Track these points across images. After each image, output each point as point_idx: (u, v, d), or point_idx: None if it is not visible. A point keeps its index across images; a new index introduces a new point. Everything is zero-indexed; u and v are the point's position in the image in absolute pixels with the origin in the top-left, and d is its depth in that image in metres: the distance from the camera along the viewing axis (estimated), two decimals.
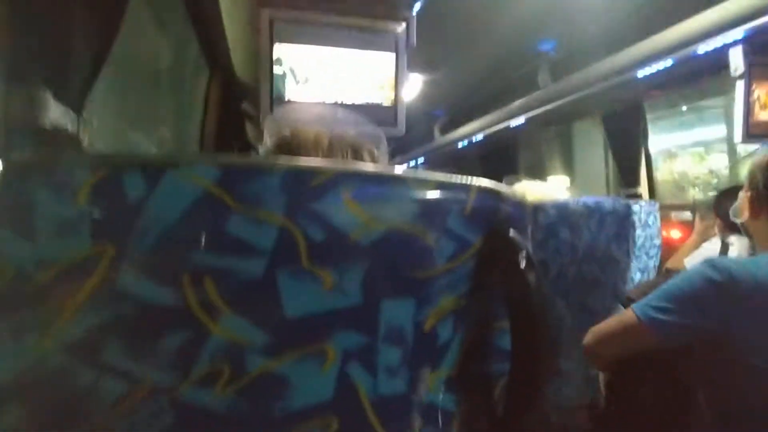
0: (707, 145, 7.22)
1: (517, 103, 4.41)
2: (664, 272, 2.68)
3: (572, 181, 7.78)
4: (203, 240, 0.50)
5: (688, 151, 7.50)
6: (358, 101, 1.90)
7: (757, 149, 3.62)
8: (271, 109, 1.80)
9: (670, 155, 7.65)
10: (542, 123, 4.93)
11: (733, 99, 2.99)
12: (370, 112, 1.84)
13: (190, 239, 0.50)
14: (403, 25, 1.90)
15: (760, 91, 2.89)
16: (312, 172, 0.54)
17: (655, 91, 3.81)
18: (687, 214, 4.24)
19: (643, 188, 4.22)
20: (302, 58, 1.84)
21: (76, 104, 1.10)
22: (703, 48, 2.64)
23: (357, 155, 0.95)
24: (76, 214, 0.48)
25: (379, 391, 0.57)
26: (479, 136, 5.49)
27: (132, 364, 0.49)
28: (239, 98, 2.85)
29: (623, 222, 2.14)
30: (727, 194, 2.76)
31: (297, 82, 1.85)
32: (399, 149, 7.36)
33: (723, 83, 2.95)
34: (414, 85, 4.40)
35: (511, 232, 0.62)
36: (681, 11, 2.67)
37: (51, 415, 0.49)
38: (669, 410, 1.56)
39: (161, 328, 0.50)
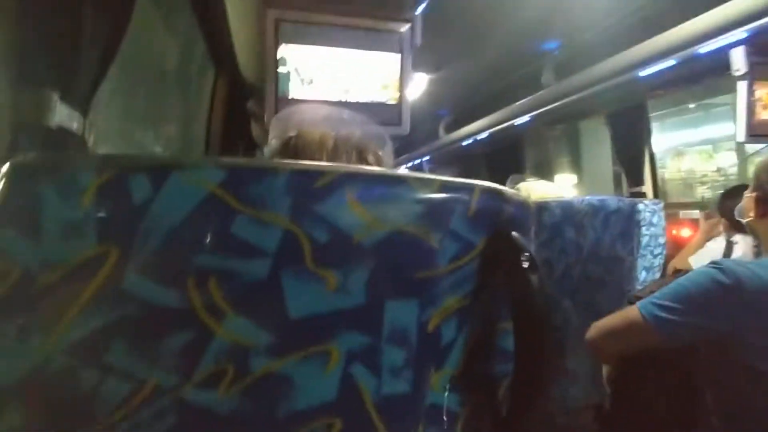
0: (715, 143, 7.19)
1: (522, 102, 4.40)
2: (672, 272, 2.67)
3: (579, 180, 7.78)
4: (208, 241, 0.50)
5: (695, 149, 7.48)
6: (363, 100, 1.90)
7: (763, 148, 3.62)
8: (276, 109, 1.81)
9: (678, 153, 7.63)
10: (547, 122, 4.92)
11: None
12: (374, 111, 1.85)
13: (194, 241, 0.50)
14: (408, 25, 1.90)
15: (761, 91, 2.89)
16: (316, 173, 0.54)
17: (658, 91, 3.80)
18: (696, 213, 4.23)
19: (648, 187, 4.20)
20: (307, 59, 1.84)
21: (82, 105, 1.11)
22: (705, 48, 2.63)
23: (362, 156, 0.96)
24: (81, 216, 0.48)
25: (382, 391, 0.57)
26: (484, 135, 5.47)
27: (136, 365, 0.49)
28: (245, 98, 2.85)
29: (628, 221, 2.14)
30: (732, 193, 2.77)
31: (302, 82, 1.86)
32: (404, 148, 7.35)
33: (731, 81, 2.94)
34: (419, 85, 4.39)
35: (514, 233, 0.62)
36: (684, 12, 2.67)
37: (54, 415, 0.49)
38: (674, 410, 1.56)
39: (165, 329, 0.50)
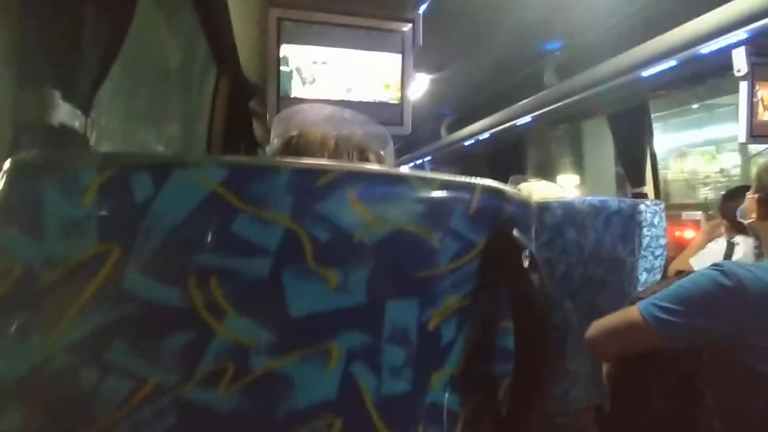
0: (718, 144, 7.16)
1: (524, 102, 4.40)
2: (675, 273, 2.68)
3: (582, 181, 7.77)
4: (209, 240, 0.50)
5: (698, 150, 7.46)
6: (364, 100, 1.90)
7: (767, 149, 3.61)
8: (278, 109, 1.81)
9: (681, 154, 7.61)
10: (549, 122, 4.92)
11: None
12: (376, 110, 1.86)
13: (195, 239, 0.50)
14: (410, 25, 1.91)
15: (763, 92, 2.89)
16: (317, 172, 0.54)
17: (660, 91, 3.80)
18: (698, 214, 4.23)
19: (649, 188, 4.20)
20: (309, 58, 1.85)
21: (84, 104, 1.11)
22: (707, 48, 2.63)
23: (363, 156, 0.96)
24: (83, 214, 0.48)
25: (383, 391, 0.57)
26: (486, 135, 5.48)
27: (136, 363, 0.49)
28: (247, 97, 2.86)
29: (629, 222, 2.14)
30: (733, 195, 2.77)
31: (304, 82, 1.86)
32: (406, 148, 7.35)
33: (734, 81, 2.93)
34: (421, 85, 4.39)
35: (515, 232, 0.62)
36: (686, 12, 2.67)
37: (54, 414, 0.49)
38: (675, 412, 1.56)
39: (166, 328, 0.50)
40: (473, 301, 0.62)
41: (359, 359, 0.56)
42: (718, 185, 6.98)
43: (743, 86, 2.86)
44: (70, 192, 0.48)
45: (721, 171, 7.11)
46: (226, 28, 2.08)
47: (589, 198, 2.11)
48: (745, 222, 1.65)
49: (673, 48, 2.76)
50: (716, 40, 2.55)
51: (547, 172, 7.74)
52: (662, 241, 2.97)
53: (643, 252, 2.75)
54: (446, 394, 0.62)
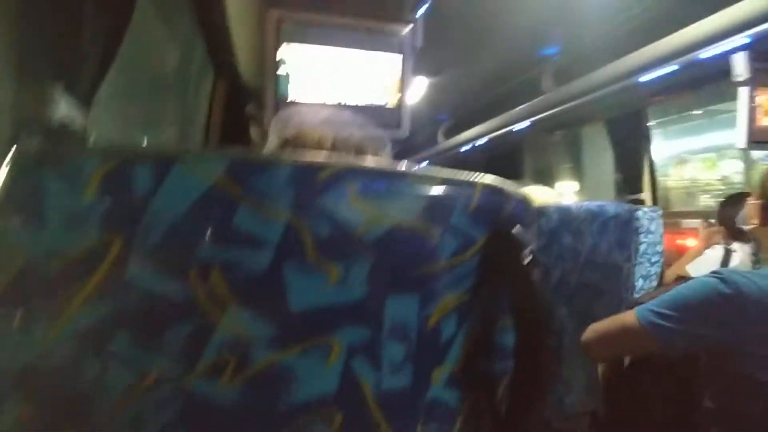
0: (720, 151, 7.14)
1: (521, 107, 4.41)
2: (675, 279, 2.68)
3: (581, 187, 7.76)
4: (210, 232, 0.51)
5: (699, 157, 7.44)
6: (363, 102, 1.90)
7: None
8: (276, 110, 1.81)
9: (681, 161, 7.59)
10: (547, 128, 4.93)
11: None
12: (374, 113, 1.86)
13: (197, 232, 0.50)
14: (410, 26, 1.91)
15: (762, 98, 2.89)
16: (318, 167, 0.55)
17: (659, 97, 3.80)
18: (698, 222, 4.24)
19: (646, 194, 4.20)
20: (308, 59, 1.85)
21: (83, 104, 1.10)
22: (707, 54, 2.63)
23: (360, 158, 0.96)
24: (85, 205, 0.48)
25: (383, 386, 0.57)
26: (483, 141, 5.49)
27: (139, 355, 0.49)
28: (244, 101, 2.85)
29: (626, 227, 2.14)
30: (730, 202, 2.77)
31: (301, 85, 1.86)
32: (402, 152, 7.36)
33: (735, 87, 2.93)
34: (419, 89, 4.40)
35: (516, 230, 0.62)
36: (685, 17, 2.67)
37: (57, 405, 0.49)
38: (671, 417, 1.55)
39: (168, 319, 0.50)
40: (473, 298, 0.62)
41: (360, 354, 0.56)
42: (719, 193, 6.95)
43: (743, 92, 2.86)
44: (73, 183, 0.48)
45: (723, 178, 7.09)
46: (224, 30, 2.07)
47: (586, 203, 2.11)
48: (746, 228, 1.65)
49: (671, 53, 2.77)
50: (715, 45, 2.55)
51: (546, 179, 7.74)
52: (659, 248, 2.97)
53: (639, 259, 2.75)
54: (445, 390, 0.62)
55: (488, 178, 0.63)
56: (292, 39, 1.82)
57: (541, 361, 0.64)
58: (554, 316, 1.95)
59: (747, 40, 2.46)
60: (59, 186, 0.48)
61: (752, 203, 1.59)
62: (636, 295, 2.27)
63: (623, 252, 2.14)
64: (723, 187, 6.77)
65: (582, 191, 7.68)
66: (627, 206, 2.26)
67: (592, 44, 3.53)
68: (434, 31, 2.09)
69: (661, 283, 2.91)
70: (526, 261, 0.60)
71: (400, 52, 1.91)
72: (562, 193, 7.23)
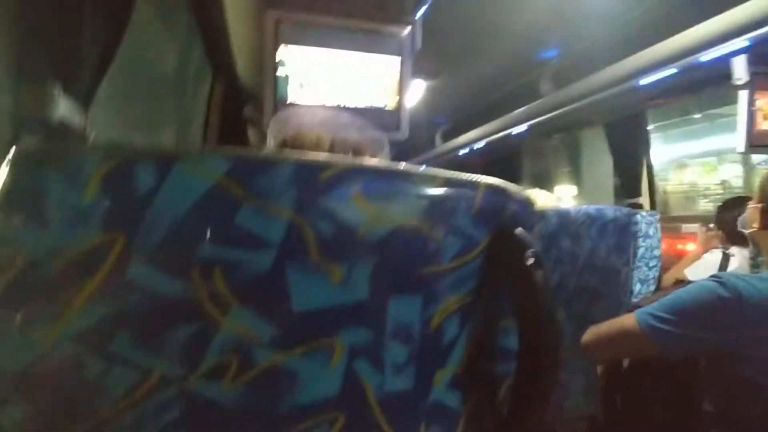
0: (719, 155, 7.13)
1: (520, 111, 4.41)
2: (674, 283, 2.67)
3: (580, 191, 7.76)
4: (212, 232, 0.50)
5: (698, 161, 7.43)
6: (362, 105, 1.90)
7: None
8: (275, 112, 1.80)
9: (681, 165, 7.59)
10: (545, 131, 4.93)
11: None
12: (373, 115, 1.85)
13: (199, 231, 0.50)
14: (409, 28, 1.91)
15: (762, 101, 2.89)
16: (321, 166, 0.54)
17: (658, 100, 3.80)
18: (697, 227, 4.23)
19: (645, 198, 4.20)
20: (307, 60, 1.84)
21: (83, 104, 1.10)
22: (706, 57, 2.63)
23: (358, 159, 0.95)
24: (86, 204, 0.48)
25: (385, 387, 0.57)
26: (481, 144, 5.49)
27: (141, 355, 0.49)
28: (242, 102, 2.85)
29: (624, 231, 2.13)
30: (729, 205, 2.77)
31: (300, 86, 1.86)
32: (400, 155, 7.33)
33: (736, 90, 2.93)
34: (417, 92, 4.40)
35: (519, 230, 0.62)
36: (684, 20, 2.67)
37: (58, 406, 0.48)
38: (670, 420, 1.55)
39: (170, 319, 0.50)
40: (476, 299, 0.62)
41: (362, 355, 0.56)
42: (718, 197, 6.93)
43: (742, 95, 2.86)
44: (73, 181, 0.48)
45: (722, 182, 7.08)
46: (222, 31, 2.07)
47: (584, 207, 2.11)
48: (746, 231, 1.65)
49: (670, 56, 2.77)
50: (715, 48, 2.55)
51: (544, 183, 7.73)
52: (657, 252, 2.97)
53: (637, 263, 2.75)
54: (448, 392, 0.62)
55: (491, 179, 0.62)
56: (290, 40, 1.82)
57: (544, 363, 0.64)
58: (557, 318, 1.94)
59: (747, 44, 2.45)
60: (60, 185, 0.48)
61: (752, 207, 1.59)
62: (634, 299, 2.27)
63: (621, 256, 2.13)
64: (722, 192, 6.77)
65: (580, 195, 7.68)
66: (625, 210, 2.26)
67: (590, 47, 3.53)
68: (433, 34, 2.09)
69: (658, 287, 2.92)
70: (529, 262, 0.60)
71: (399, 54, 1.91)
72: (560, 197, 7.24)
